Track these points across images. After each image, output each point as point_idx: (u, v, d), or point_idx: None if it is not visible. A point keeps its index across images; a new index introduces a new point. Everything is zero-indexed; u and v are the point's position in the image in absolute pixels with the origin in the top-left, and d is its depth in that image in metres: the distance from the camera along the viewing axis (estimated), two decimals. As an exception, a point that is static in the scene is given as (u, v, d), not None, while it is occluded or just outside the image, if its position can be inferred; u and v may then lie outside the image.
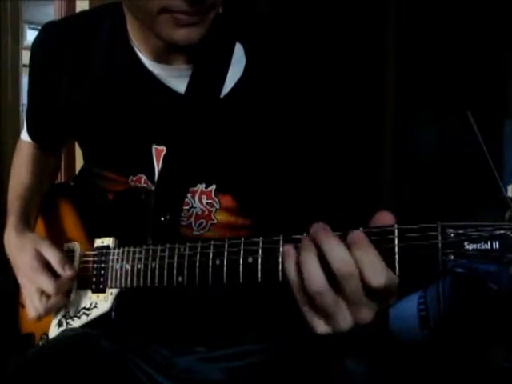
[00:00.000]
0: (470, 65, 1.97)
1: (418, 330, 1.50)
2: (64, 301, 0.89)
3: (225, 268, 0.65)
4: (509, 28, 1.90)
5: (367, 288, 0.53)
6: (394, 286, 0.53)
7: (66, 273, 0.86)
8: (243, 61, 0.83)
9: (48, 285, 0.86)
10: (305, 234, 0.59)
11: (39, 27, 0.94)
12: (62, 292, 0.88)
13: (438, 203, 1.79)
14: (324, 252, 0.54)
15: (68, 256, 0.91)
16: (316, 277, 0.54)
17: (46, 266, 0.88)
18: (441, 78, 2.02)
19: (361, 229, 0.55)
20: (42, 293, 0.87)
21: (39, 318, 0.89)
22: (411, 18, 2.07)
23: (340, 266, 0.53)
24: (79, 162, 1.32)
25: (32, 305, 0.89)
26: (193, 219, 0.85)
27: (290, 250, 0.57)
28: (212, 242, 0.68)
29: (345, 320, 0.55)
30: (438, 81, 2.03)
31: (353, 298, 0.54)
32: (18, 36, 1.67)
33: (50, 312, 0.90)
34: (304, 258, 0.55)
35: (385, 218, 0.55)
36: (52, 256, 0.87)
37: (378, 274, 0.52)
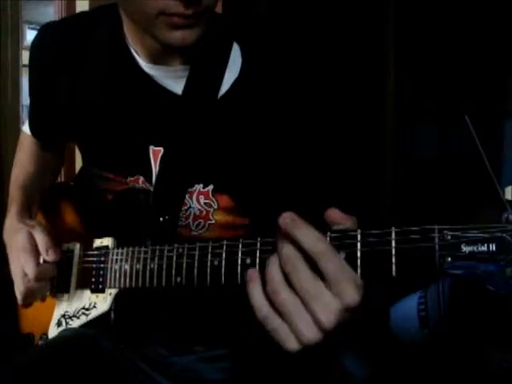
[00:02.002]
0: (470, 65, 1.97)
1: (418, 330, 1.50)
2: (46, 289, 0.90)
3: (223, 269, 0.65)
4: (509, 28, 1.90)
5: (313, 269, 0.52)
6: (345, 268, 0.53)
7: (47, 256, 0.87)
8: (240, 61, 0.83)
9: (29, 267, 0.86)
10: None
11: (39, 27, 0.94)
12: (41, 278, 0.88)
13: (437, 205, 1.79)
14: (296, 239, 0.54)
15: (67, 256, 0.92)
16: (274, 276, 0.54)
17: (35, 249, 0.88)
18: (441, 78, 2.02)
19: (359, 231, 0.55)
20: (25, 275, 0.87)
21: (23, 300, 0.89)
22: (411, 19, 2.07)
23: (311, 244, 0.53)
24: (79, 162, 1.32)
25: (16, 285, 0.89)
26: (191, 219, 0.85)
27: (253, 273, 0.57)
28: (210, 243, 0.68)
29: (308, 326, 0.53)
30: (437, 81, 2.03)
31: (304, 290, 0.53)
32: (17, 36, 1.67)
33: (30, 295, 0.89)
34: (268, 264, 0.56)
35: (335, 216, 0.56)
36: (40, 239, 0.88)
37: (314, 240, 0.53)
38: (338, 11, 1.94)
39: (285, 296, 0.54)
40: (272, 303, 0.54)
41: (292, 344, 0.54)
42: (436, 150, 2.04)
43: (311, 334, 0.52)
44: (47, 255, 0.87)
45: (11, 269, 0.91)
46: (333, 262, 0.52)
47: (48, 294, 0.94)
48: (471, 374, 1.35)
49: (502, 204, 0.45)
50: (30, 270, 0.86)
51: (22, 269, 0.88)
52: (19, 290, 0.89)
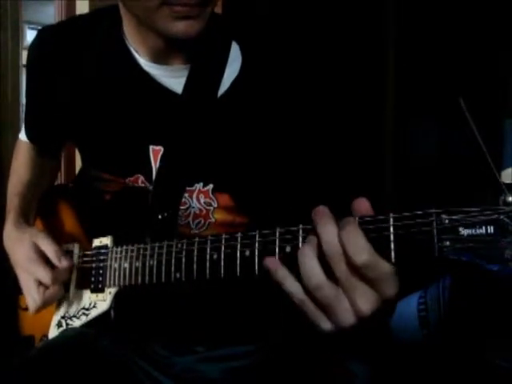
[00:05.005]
0: (470, 65, 1.98)
1: (417, 330, 1.50)
2: (61, 292, 0.89)
3: (222, 262, 0.65)
4: (508, 28, 1.90)
5: (354, 268, 0.53)
6: (385, 271, 0.53)
7: (61, 264, 0.86)
8: (239, 60, 0.83)
9: (45, 275, 0.86)
10: (300, 226, 0.59)
11: (39, 27, 0.95)
12: (58, 282, 0.88)
13: (436, 194, 1.79)
14: (319, 236, 0.55)
15: None
16: (314, 271, 0.55)
17: (43, 258, 0.88)
18: (441, 78, 2.02)
19: (356, 218, 0.55)
20: (40, 284, 0.87)
21: (38, 309, 0.88)
22: (411, 19, 2.07)
23: (326, 247, 0.54)
24: (79, 162, 1.32)
25: (30, 296, 0.88)
26: (191, 218, 0.85)
27: (275, 262, 0.58)
28: (209, 237, 0.68)
29: (346, 312, 0.55)
30: (438, 81, 2.03)
31: (345, 281, 0.54)
32: (17, 36, 1.67)
33: (48, 303, 0.89)
34: (301, 257, 0.56)
35: (361, 205, 0.56)
36: (48, 247, 0.88)
37: (359, 250, 0.52)
38: (338, 11, 1.95)
39: (328, 290, 0.55)
40: (310, 293, 0.56)
41: (326, 325, 0.56)
42: (436, 149, 2.05)
43: (348, 319, 0.55)
44: (60, 263, 0.86)
45: (21, 283, 0.91)
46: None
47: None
48: (471, 373, 1.35)
49: (498, 187, 0.45)
50: (46, 277, 0.86)
51: (35, 281, 0.87)
52: (35, 300, 0.88)
